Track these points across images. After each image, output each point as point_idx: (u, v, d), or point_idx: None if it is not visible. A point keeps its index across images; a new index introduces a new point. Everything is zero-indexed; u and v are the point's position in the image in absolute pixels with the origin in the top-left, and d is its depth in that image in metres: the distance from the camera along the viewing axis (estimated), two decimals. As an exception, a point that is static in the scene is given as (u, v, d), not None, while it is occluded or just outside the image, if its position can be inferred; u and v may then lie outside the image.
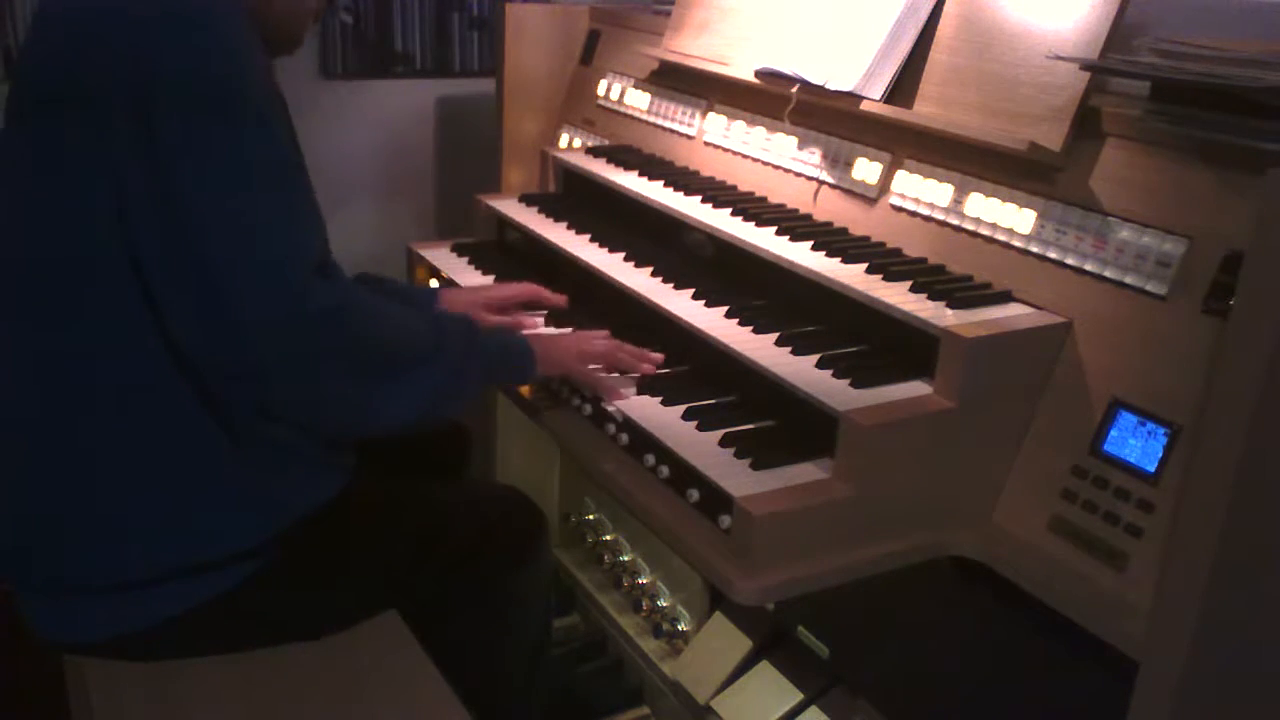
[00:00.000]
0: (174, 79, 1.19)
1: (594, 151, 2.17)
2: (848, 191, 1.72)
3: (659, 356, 1.60)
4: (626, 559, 2.26)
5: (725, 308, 1.58)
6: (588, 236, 1.89)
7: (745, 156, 1.93)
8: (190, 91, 1.19)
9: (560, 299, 1.78)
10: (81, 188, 1.25)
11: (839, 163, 1.74)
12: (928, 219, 1.58)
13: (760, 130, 1.91)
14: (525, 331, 1.66)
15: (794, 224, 1.67)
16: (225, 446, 1.33)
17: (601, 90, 2.34)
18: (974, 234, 1.51)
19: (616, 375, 1.56)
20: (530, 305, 1.79)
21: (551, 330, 1.72)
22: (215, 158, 1.21)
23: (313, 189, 1.36)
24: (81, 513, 1.32)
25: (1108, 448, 1.27)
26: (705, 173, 1.99)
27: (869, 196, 1.68)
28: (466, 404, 1.44)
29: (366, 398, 1.32)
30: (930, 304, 1.40)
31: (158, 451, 1.31)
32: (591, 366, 1.55)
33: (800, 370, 1.40)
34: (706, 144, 2.03)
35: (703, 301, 1.60)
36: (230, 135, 1.21)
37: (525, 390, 1.66)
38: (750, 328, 1.52)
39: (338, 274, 1.33)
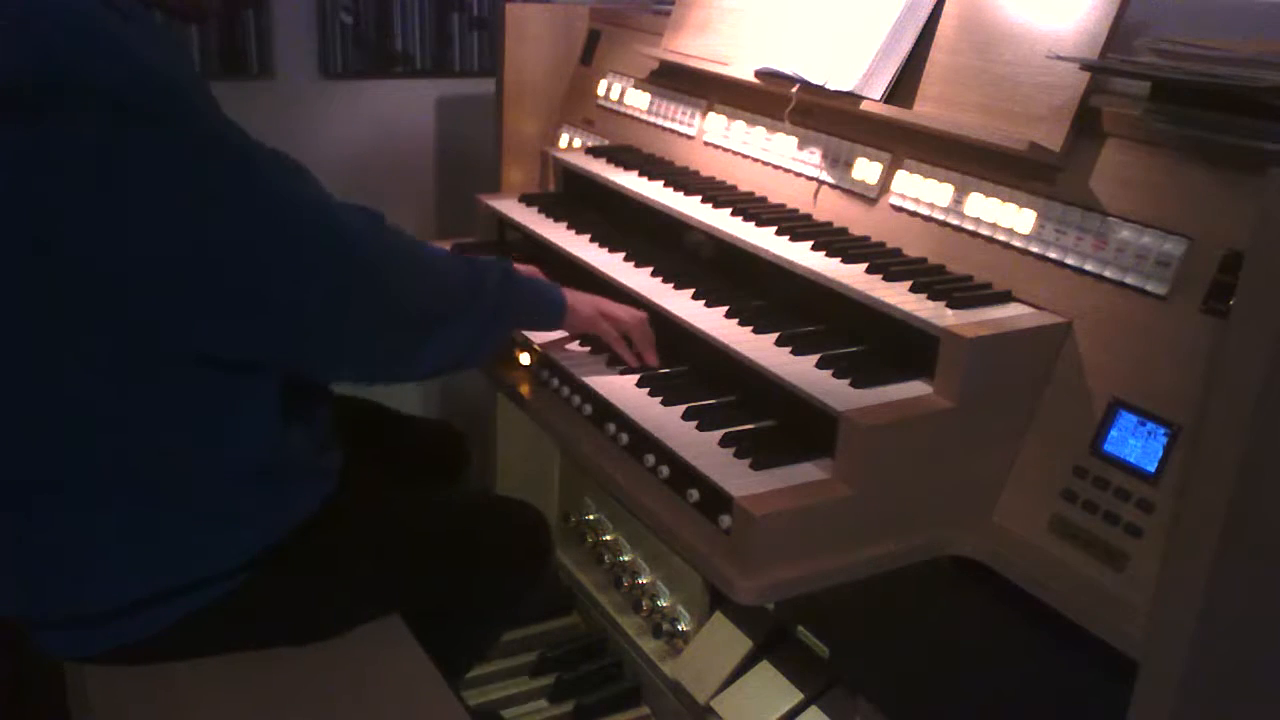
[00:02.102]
0: (110, 85, 1.10)
1: (594, 151, 2.17)
2: (848, 191, 1.72)
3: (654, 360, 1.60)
4: (626, 559, 2.27)
5: (725, 308, 1.58)
6: (588, 236, 1.89)
7: (745, 156, 1.93)
8: (133, 95, 1.11)
9: None
10: (21, 201, 1.16)
11: (839, 163, 1.73)
12: (928, 219, 1.58)
13: (760, 130, 1.91)
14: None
15: (794, 224, 1.67)
16: (208, 468, 1.31)
17: (601, 90, 2.34)
18: (974, 234, 1.51)
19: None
20: None
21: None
22: (190, 155, 1.14)
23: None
24: (66, 548, 1.30)
25: (1108, 448, 1.27)
26: (705, 173, 1.99)
27: (869, 196, 1.68)
28: (502, 346, 1.43)
29: (405, 345, 1.32)
30: (930, 304, 1.40)
31: (138, 479, 1.29)
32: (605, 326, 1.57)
33: (800, 370, 1.40)
34: (706, 144, 2.03)
35: (703, 301, 1.60)
36: (195, 129, 1.14)
37: (525, 390, 1.66)
38: (750, 328, 1.52)
39: (371, 210, 1.31)
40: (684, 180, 1.91)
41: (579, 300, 1.56)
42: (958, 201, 1.53)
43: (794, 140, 1.82)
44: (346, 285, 1.24)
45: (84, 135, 1.11)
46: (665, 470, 1.36)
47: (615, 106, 2.29)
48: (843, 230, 1.68)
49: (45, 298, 1.21)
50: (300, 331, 1.25)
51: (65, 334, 1.23)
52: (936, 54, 1.61)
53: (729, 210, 1.76)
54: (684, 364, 1.61)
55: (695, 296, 1.62)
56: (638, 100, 2.22)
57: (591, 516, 2.38)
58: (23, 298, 1.22)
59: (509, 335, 1.44)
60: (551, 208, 2.06)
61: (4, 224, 1.18)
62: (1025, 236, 1.43)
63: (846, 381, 1.36)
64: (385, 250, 1.29)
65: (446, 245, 2.12)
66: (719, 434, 1.39)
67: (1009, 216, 1.46)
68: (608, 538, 2.32)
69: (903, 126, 1.59)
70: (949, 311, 1.37)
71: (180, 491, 1.31)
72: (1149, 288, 1.28)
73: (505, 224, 2.12)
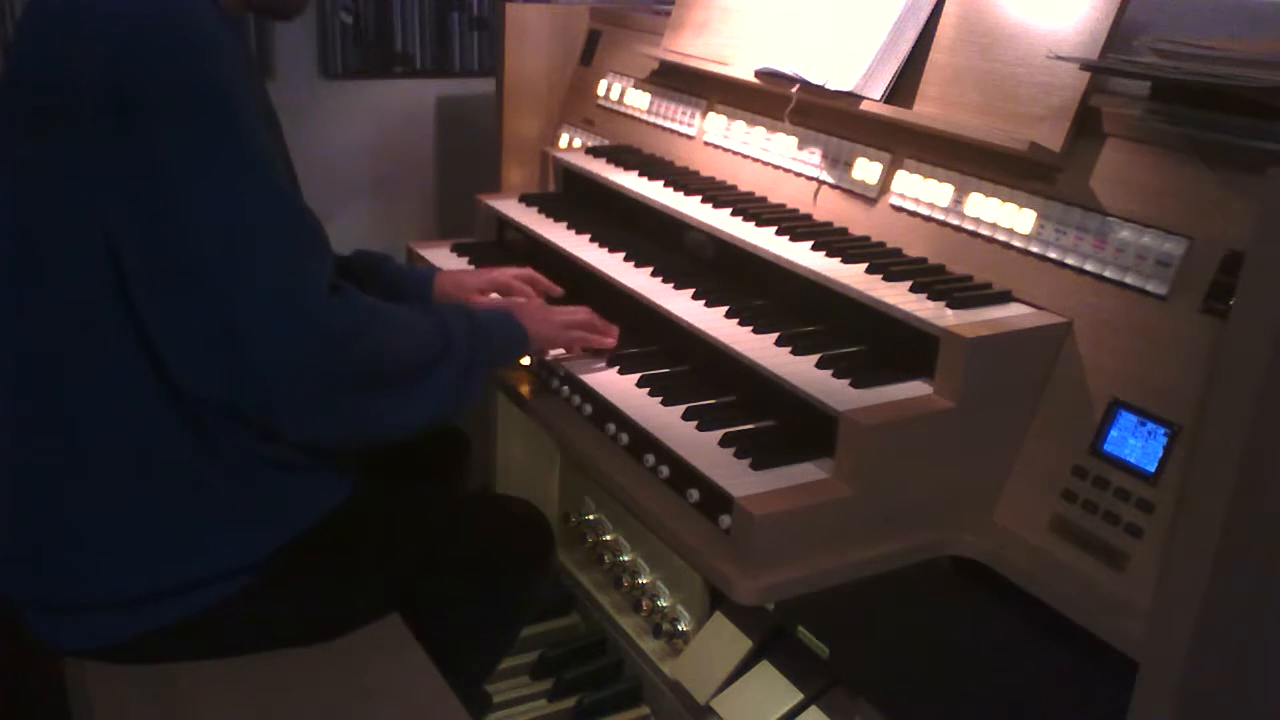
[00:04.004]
0: (150, 85, 1.15)
1: (594, 151, 2.17)
2: (848, 191, 1.72)
3: (616, 330, 1.63)
4: (626, 559, 2.26)
5: (725, 308, 1.58)
6: (588, 236, 1.89)
7: (745, 156, 1.93)
8: (168, 98, 1.15)
9: (556, 288, 1.79)
10: (65, 199, 1.22)
11: (839, 163, 1.73)
12: (928, 219, 1.58)
13: (760, 130, 1.91)
14: (507, 305, 1.67)
15: (794, 224, 1.67)
16: (224, 465, 1.32)
17: (601, 90, 2.34)
18: (974, 234, 1.51)
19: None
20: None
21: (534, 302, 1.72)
22: (203, 165, 1.17)
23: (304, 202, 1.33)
24: (76, 533, 1.31)
25: (1108, 448, 1.27)
26: (705, 173, 1.99)
27: (869, 196, 1.68)
28: (480, 393, 1.44)
29: (384, 410, 1.31)
30: (930, 304, 1.40)
31: (154, 471, 1.30)
32: (573, 335, 1.59)
33: (800, 370, 1.40)
34: (706, 144, 2.03)
35: (703, 301, 1.60)
36: (215, 139, 1.18)
37: (525, 390, 1.66)
38: (750, 328, 1.52)
39: (347, 289, 1.31)
40: (684, 180, 1.91)
41: (534, 322, 1.55)
42: (958, 201, 1.53)
43: (794, 140, 1.82)
44: (314, 359, 1.22)
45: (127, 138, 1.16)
46: (665, 470, 1.36)
47: (615, 106, 2.29)
48: (843, 230, 1.68)
49: (73, 291, 1.24)
50: (265, 389, 1.21)
51: (92, 327, 1.25)
52: (936, 54, 1.61)
53: (729, 210, 1.76)
54: (684, 364, 1.61)
55: (695, 296, 1.62)
56: (638, 100, 2.22)
57: (591, 516, 2.38)
58: (52, 289, 1.26)
59: (486, 380, 1.45)
60: (551, 208, 2.06)
61: (43, 218, 1.23)
62: (1025, 236, 1.43)
63: (846, 381, 1.36)
64: (357, 327, 1.27)
65: (447, 245, 2.12)
66: (719, 434, 1.39)
67: (1009, 216, 1.46)
68: (608, 538, 2.32)
69: (903, 126, 1.59)
70: (949, 311, 1.37)
71: (193, 490, 1.32)
72: (1149, 288, 1.28)
73: (505, 224, 2.12)
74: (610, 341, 1.61)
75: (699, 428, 1.41)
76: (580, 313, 1.62)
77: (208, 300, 1.18)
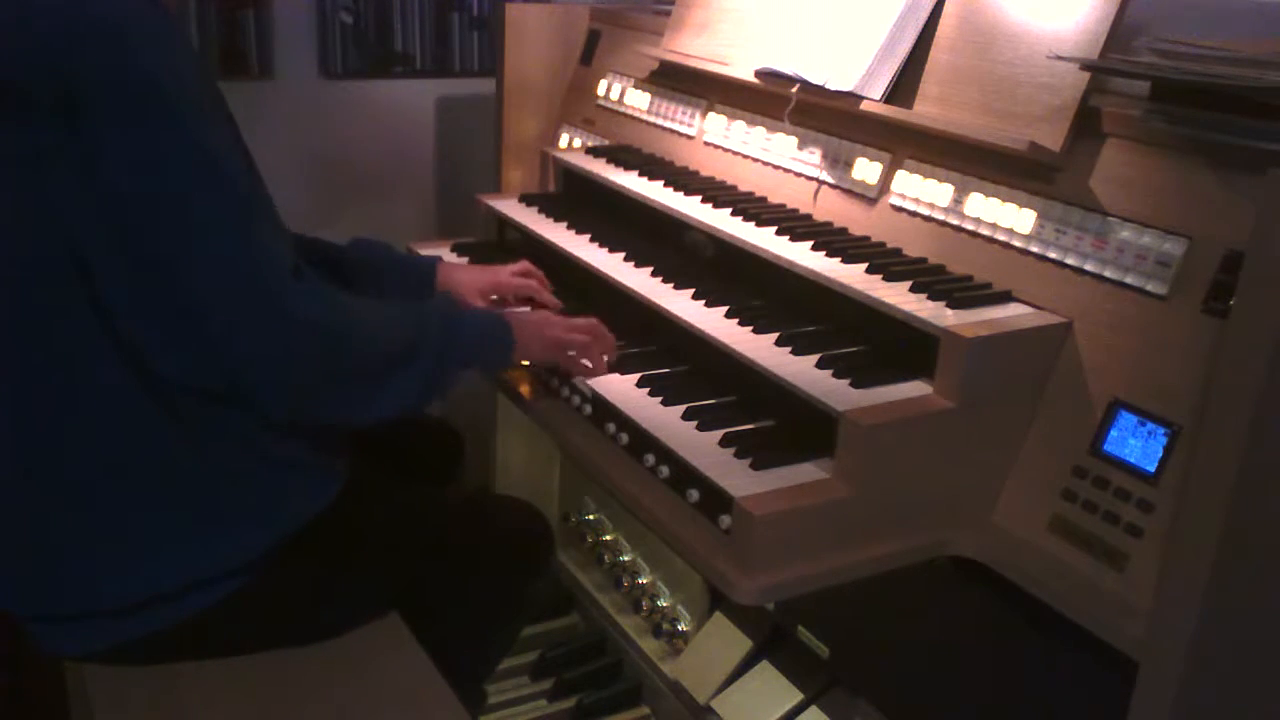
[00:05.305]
0: (95, 80, 1.15)
1: (594, 151, 2.17)
2: (848, 191, 1.72)
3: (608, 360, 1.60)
4: (626, 559, 2.27)
5: (725, 308, 1.58)
6: (588, 236, 1.89)
7: (745, 156, 1.93)
8: (114, 92, 1.15)
9: (555, 303, 1.78)
10: (16, 199, 1.21)
11: (839, 163, 1.73)
12: (928, 219, 1.58)
13: (760, 130, 1.91)
14: (508, 311, 1.65)
15: (794, 224, 1.67)
16: (218, 465, 1.32)
17: (601, 90, 2.34)
18: (974, 234, 1.51)
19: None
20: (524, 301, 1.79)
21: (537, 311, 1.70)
22: (151, 157, 1.17)
23: (264, 187, 1.33)
24: (73, 541, 1.31)
25: (1108, 448, 1.27)
26: (705, 173, 1.99)
27: (869, 196, 1.68)
28: (451, 389, 1.44)
29: (353, 397, 1.32)
30: (930, 304, 1.40)
31: (147, 475, 1.30)
32: (570, 353, 1.56)
33: (800, 370, 1.40)
34: (706, 144, 2.03)
35: (703, 301, 1.60)
36: (161, 131, 1.17)
37: (525, 390, 1.66)
38: (750, 328, 1.52)
39: (309, 275, 1.32)
40: (684, 180, 1.91)
41: (527, 335, 1.53)
42: (958, 201, 1.53)
43: (794, 140, 1.82)
44: (282, 342, 1.24)
45: (67, 131, 1.16)
46: (665, 470, 1.36)
47: (615, 106, 2.29)
48: (843, 230, 1.68)
49: (52, 294, 1.24)
50: (234, 372, 1.24)
51: (68, 330, 1.24)
52: (936, 54, 1.61)
53: (729, 210, 1.76)
54: (684, 364, 1.61)
55: (695, 296, 1.62)
56: (638, 100, 2.22)
57: (591, 516, 2.38)
58: (34, 293, 1.25)
59: (457, 377, 1.44)
60: (551, 208, 2.06)
61: (15, 225, 1.22)
62: (1025, 236, 1.43)
63: (846, 381, 1.36)
64: (325, 310, 1.28)
65: (447, 245, 2.12)
66: (719, 434, 1.39)
67: (1009, 216, 1.46)
68: (608, 538, 2.33)
69: (903, 126, 1.59)
70: (949, 311, 1.37)
71: (188, 492, 1.32)
72: (1149, 288, 1.28)
73: (505, 224, 2.12)
74: (600, 373, 1.58)
75: (699, 428, 1.41)
76: (583, 327, 1.57)
77: (170, 289, 1.20)
